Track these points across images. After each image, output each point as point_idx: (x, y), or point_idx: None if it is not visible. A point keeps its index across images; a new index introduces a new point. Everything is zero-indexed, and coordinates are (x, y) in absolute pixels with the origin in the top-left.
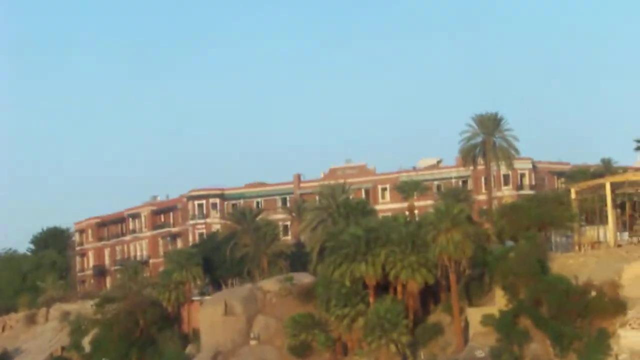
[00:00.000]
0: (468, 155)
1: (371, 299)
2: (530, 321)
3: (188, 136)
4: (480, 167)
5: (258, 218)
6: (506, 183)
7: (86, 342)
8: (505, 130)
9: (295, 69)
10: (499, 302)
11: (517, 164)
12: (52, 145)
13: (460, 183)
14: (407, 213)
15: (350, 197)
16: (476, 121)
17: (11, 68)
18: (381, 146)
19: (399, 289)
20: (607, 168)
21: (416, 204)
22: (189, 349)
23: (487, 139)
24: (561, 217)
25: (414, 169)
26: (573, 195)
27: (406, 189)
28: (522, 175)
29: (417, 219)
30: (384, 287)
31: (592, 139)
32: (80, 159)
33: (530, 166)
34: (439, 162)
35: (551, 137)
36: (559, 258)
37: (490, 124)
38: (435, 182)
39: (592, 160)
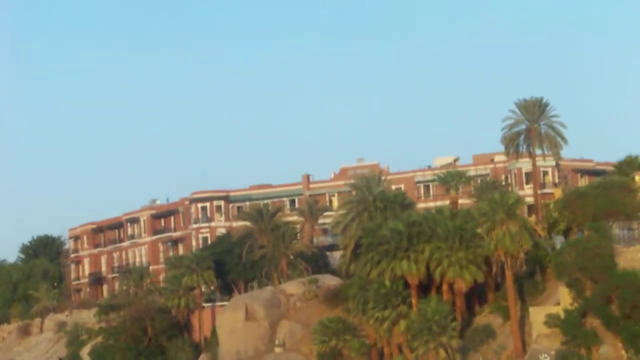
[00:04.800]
0: (511, 144)
1: (413, 300)
2: (599, 321)
3: (188, 137)
4: (500, 166)
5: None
6: (528, 181)
7: (85, 353)
8: (551, 117)
9: (300, 66)
10: (563, 300)
11: (539, 162)
12: (44, 148)
13: (479, 182)
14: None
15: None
16: (520, 107)
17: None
18: (394, 144)
19: (445, 288)
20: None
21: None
22: (202, 357)
23: (532, 126)
24: (630, 206)
25: (430, 167)
26: (638, 183)
27: (449, 180)
28: (545, 173)
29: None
30: (425, 287)
31: (610, 137)
32: (75, 162)
33: (554, 163)
34: (455, 160)
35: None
36: (626, 252)
37: (535, 109)
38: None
39: (613, 158)
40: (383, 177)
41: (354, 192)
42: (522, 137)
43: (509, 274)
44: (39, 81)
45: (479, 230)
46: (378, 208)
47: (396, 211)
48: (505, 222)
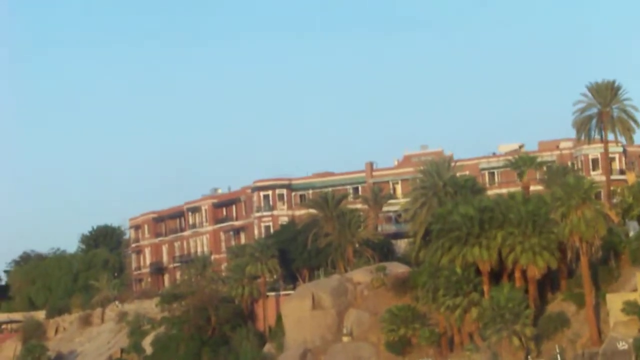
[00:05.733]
0: (582, 128)
1: (485, 287)
2: None
3: (249, 125)
4: (565, 152)
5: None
6: (594, 168)
7: (147, 343)
8: (624, 100)
9: (361, 54)
10: None
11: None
12: (106, 138)
13: (544, 168)
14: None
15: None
16: (591, 90)
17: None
18: (457, 132)
19: (517, 275)
20: None
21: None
22: (268, 347)
23: (604, 110)
24: None
25: (494, 154)
26: None
27: (520, 165)
28: (612, 159)
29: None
30: (497, 274)
31: None
32: (135, 151)
33: (621, 150)
34: (520, 146)
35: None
36: None
37: (607, 93)
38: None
39: None
40: (452, 163)
41: (418, 180)
42: (594, 121)
43: (584, 260)
44: (84, 73)
45: (552, 216)
46: (448, 194)
47: (467, 197)
48: (580, 207)
